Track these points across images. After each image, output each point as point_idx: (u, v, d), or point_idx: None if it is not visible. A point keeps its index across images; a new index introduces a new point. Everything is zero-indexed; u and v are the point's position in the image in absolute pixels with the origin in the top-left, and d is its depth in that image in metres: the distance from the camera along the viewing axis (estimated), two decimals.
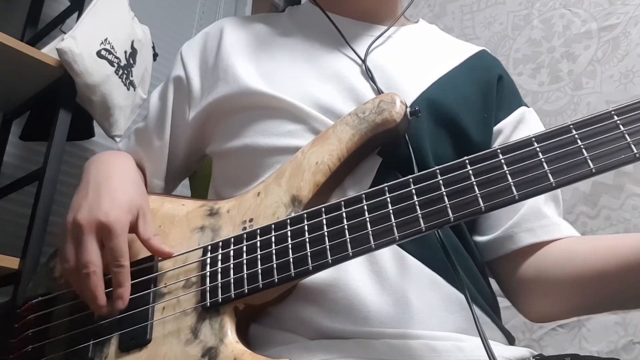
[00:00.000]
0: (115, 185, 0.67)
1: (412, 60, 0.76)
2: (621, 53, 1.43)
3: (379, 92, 0.68)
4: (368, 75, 0.71)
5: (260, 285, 0.56)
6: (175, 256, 0.63)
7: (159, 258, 0.64)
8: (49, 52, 1.37)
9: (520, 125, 0.77)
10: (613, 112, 0.48)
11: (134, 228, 0.65)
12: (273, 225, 0.59)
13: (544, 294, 0.68)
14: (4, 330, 0.68)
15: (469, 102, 0.73)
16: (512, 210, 0.70)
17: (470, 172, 0.52)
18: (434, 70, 0.74)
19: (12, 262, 1.22)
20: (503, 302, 0.73)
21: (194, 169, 0.94)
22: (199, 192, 1.04)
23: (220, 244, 0.61)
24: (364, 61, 0.73)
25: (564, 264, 0.66)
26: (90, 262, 0.60)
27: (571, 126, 0.50)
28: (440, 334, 0.58)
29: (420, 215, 0.52)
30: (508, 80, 0.81)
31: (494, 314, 0.66)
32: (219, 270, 0.59)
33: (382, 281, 0.60)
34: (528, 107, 0.80)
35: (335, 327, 0.58)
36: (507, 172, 0.50)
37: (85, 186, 0.68)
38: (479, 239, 0.73)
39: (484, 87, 0.76)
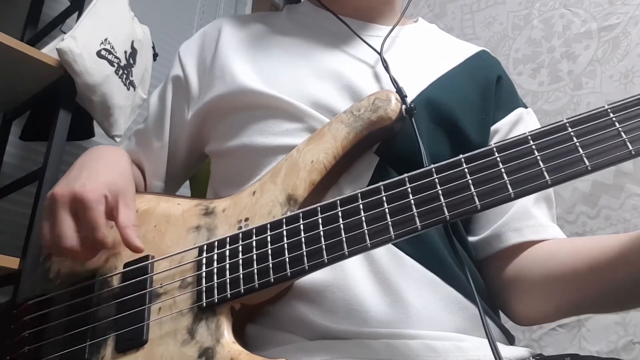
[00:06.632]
0: (99, 168, 0.67)
1: (412, 60, 0.76)
2: (621, 53, 1.43)
3: (394, 82, 0.68)
4: (384, 66, 0.70)
5: (257, 285, 0.56)
6: (170, 256, 0.62)
7: (153, 257, 0.63)
8: (49, 52, 1.37)
9: (517, 125, 0.76)
10: (609, 110, 0.48)
11: (113, 211, 0.64)
12: (269, 225, 0.58)
13: (524, 294, 0.67)
14: (1, 332, 0.68)
15: (468, 102, 0.73)
16: (502, 210, 0.70)
17: (466, 170, 0.52)
18: (434, 69, 0.73)
19: (12, 262, 1.22)
20: None
21: (195, 170, 0.93)
22: (199, 194, 1.04)
23: (216, 243, 0.60)
24: (380, 53, 0.72)
25: (545, 264, 0.65)
26: (62, 235, 0.60)
27: (567, 124, 0.49)
28: (439, 334, 0.58)
29: (416, 214, 0.52)
30: (507, 81, 0.80)
31: (493, 313, 0.66)
32: (215, 270, 0.59)
33: (380, 281, 0.59)
34: (527, 108, 0.80)
35: (334, 328, 0.58)
36: (502, 170, 0.50)
37: (71, 169, 0.68)
38: (470, 239, 0.72)
39: (483, 88, 0.75)
